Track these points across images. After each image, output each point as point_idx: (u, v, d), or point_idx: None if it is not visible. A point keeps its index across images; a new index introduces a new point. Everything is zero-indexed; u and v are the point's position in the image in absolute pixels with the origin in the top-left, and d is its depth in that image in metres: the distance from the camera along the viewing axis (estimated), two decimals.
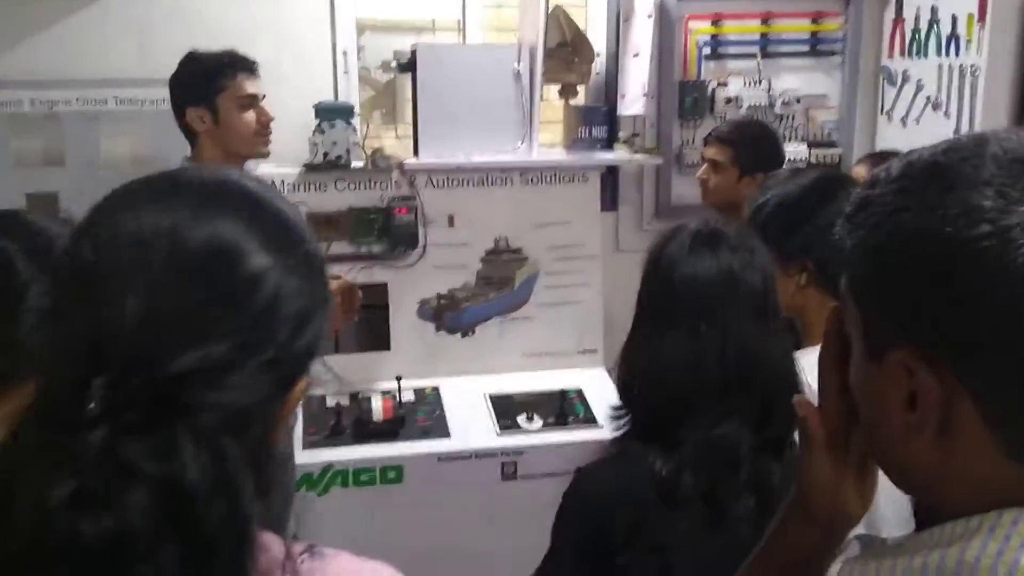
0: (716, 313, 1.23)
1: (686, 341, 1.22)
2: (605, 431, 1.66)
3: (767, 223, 1.51)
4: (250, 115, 2.15)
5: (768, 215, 1.52)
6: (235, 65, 2.14)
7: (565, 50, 2.86)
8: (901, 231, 0.56)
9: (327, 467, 2.43)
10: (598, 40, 3.08)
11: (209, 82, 2.13)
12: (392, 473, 2.47)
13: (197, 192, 0.65)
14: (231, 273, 0.62)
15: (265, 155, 2.25)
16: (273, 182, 2.55)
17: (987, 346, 0.53)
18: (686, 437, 1.21)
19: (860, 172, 2.55)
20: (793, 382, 1.25)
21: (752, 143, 2.55)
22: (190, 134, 2.21)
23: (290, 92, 2.66)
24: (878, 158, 2.58)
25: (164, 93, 2.71)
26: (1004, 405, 0.54)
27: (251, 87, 2.16)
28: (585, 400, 2.72)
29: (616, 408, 1.31)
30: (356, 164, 2.72)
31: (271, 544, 0.64)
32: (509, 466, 2.53)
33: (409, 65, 2.72)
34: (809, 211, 1.48)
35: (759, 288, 1.25)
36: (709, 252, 1.25)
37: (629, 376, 1.29)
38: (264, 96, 2.22)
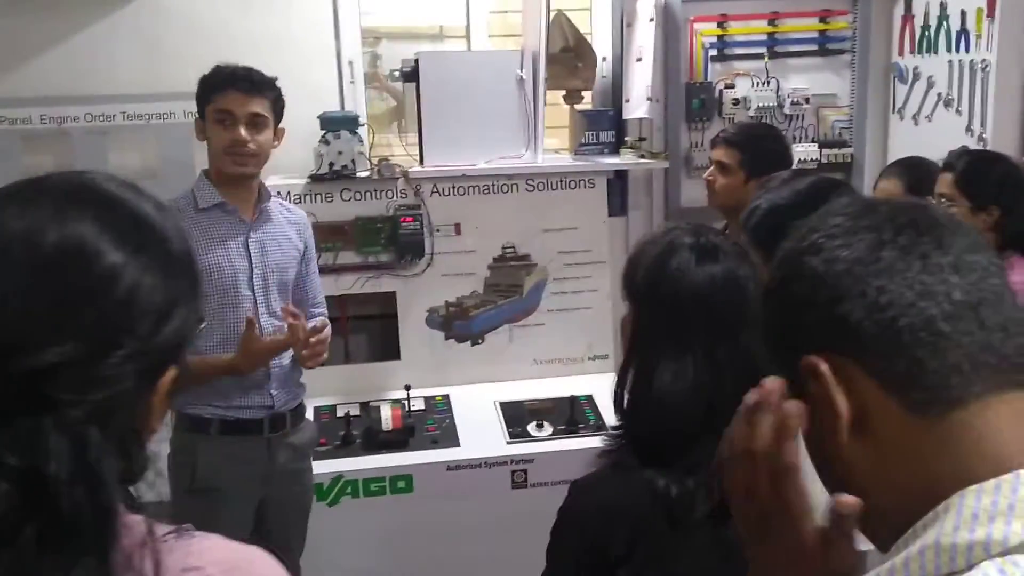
0: (728, 332, 1.19)
1: (704, 366, 1.18)
2: None
3: (758, 226, 1.50)
4: (225, 132, 2.10)
5: (760, 218, 1.50)
6: (226, 80, 2.10)
7: (568, 55, 2.85)
8: (774, 273, 0.70)
9: (337, 477, 2.44)
10: (603, 44, 3.07)
11: (202, 96, 2.14)
12: (402, 483, 2.47)
13: (55, 196, 0.68)
14: (86, 272, 0.65)
15: (236, 175, 2.14)
16: (273, 191, 2.54)
17: (841, 323, 0.61)
18: (699, 460, 1.17)
19: (888, 188, 2.46)
20: None
21: (759, 145, 2.52)
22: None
23: (296, 103, 2.66)
24: (905, 167, 2.52)
25: (172, 107, 2.75)
26: (885, 364, 0.60)
27: (234, 103, 2.09)
28: (596, 406, 2.70)
29: (615, 429, 1.28)
30: (362, 174, 2.72)
31: (135, 525, 0.67)
32: (519, 474, 2.52)
33: (412, 74, 2.72)
34: (801, 216, 1.46)
35: (758, 299, 1.22)
36: (715, 265, 1.20)
37: (639, 402, 1.23)
38: (254, 115, 2.11)
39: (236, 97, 2.10)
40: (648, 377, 1.21)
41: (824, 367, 0.61)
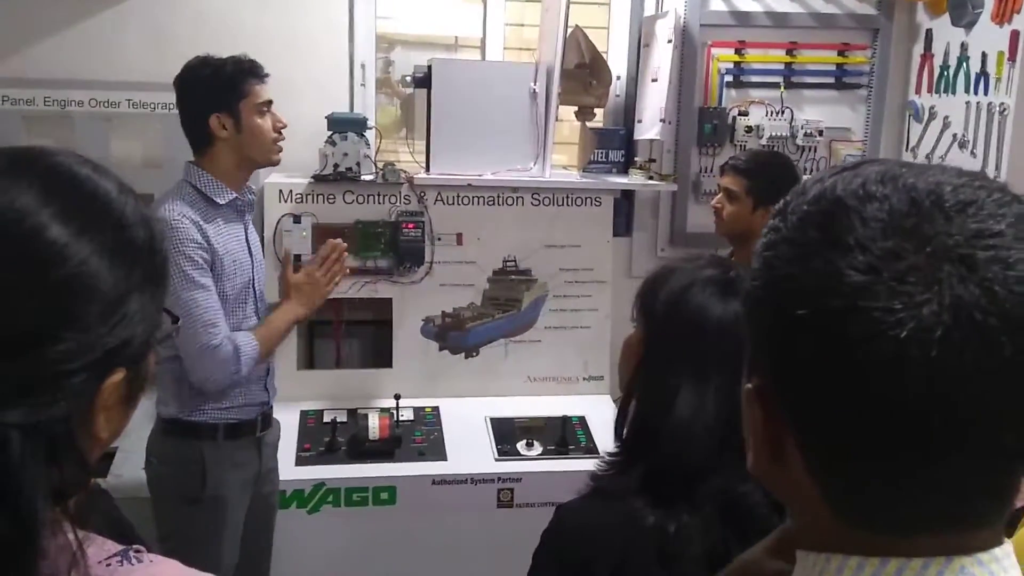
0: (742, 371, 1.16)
1: (722, 402, 1.13)
2: None
3: None
4: (267, 121, 2.11)
5: None
6: (252, 71, 2.09)
7: (583, 71, 2.82)
8: (773, 267, 0.54)
9: (319, 484, 2.38)
10: (618, 63, 3.04)
11: (232, 88, 2.06)
12: (385, 494, 2.41)
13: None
14: (21, 247, 0.57)
15: (277, 162, 2.20)
16: (257, 190, 2.50)
17: (815, 402, 0.52)
18: (705, 496, 1.13)
19: None
20: None
21: (768, 174, 2.49)
22: (208, 139, 2.09)
23: (305, 102, 2.63)
24: None
25: None
26: (819, 456, 0.54)
27: (267, 92, 2.13)
28: (588, 428, 2.65)
29: (612, 455, 1.23)
30: (366, 177, 2.68)
31: (68, 546, 0.59)
32: (505, 493, 2.47)
33: (425, 80, 2.68)
34: None
35: None
36: (737, 301, 1.17)
37: (652, 430, 1.17)
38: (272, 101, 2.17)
39: (265, 86, 2.12)
40: (666, 406, 1.16)
41: (763, 420, 0.56)
